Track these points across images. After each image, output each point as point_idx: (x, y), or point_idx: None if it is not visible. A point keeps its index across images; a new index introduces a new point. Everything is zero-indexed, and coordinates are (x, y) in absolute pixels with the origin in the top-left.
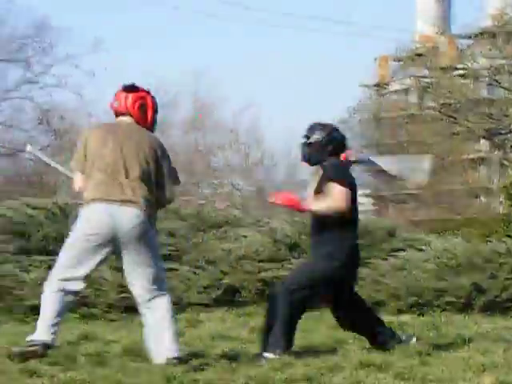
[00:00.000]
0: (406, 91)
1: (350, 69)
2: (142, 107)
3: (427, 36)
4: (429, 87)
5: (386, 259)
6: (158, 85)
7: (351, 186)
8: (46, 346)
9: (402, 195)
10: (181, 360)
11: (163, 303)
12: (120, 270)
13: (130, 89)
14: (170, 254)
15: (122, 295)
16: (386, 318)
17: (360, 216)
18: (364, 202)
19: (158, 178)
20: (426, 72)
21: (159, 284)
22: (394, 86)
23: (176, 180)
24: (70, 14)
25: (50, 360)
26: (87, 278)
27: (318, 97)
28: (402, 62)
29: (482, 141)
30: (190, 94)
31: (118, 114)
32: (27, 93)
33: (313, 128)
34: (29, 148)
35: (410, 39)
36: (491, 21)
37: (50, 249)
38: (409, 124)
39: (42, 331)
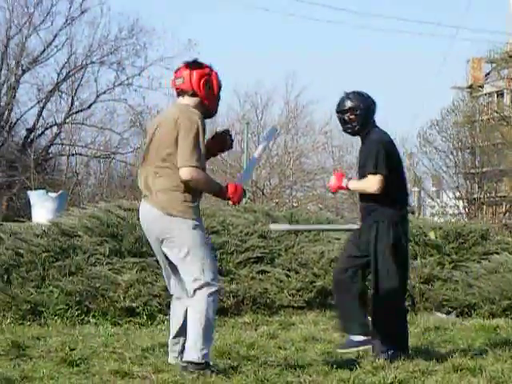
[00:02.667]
0: (500, 93)
1: (441, 70)
2: (207, 84)
3: None
4: None
5: (479, 262)
6: (251, 87)
7: None
8: None
9: (494, 198)
10: (194, 365)
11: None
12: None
13: (195, 65)
14: (262, 257)
15: None
16: (480, 321)
17: (452, 219)
18: (456, 205)
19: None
20: None
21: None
22: (488, 89)
23: (186, 161)
24: (163, 16)
25: (142, 362)
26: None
27: (408, 98)
28: (495, 64)
29: None
30: (282, 97)
31: (180, 94)
32: (120, 95)
33: None
34: (272, 226)
35: (504, 41)
36: None
37: (143, 251)
38: (503, 126)
39: None
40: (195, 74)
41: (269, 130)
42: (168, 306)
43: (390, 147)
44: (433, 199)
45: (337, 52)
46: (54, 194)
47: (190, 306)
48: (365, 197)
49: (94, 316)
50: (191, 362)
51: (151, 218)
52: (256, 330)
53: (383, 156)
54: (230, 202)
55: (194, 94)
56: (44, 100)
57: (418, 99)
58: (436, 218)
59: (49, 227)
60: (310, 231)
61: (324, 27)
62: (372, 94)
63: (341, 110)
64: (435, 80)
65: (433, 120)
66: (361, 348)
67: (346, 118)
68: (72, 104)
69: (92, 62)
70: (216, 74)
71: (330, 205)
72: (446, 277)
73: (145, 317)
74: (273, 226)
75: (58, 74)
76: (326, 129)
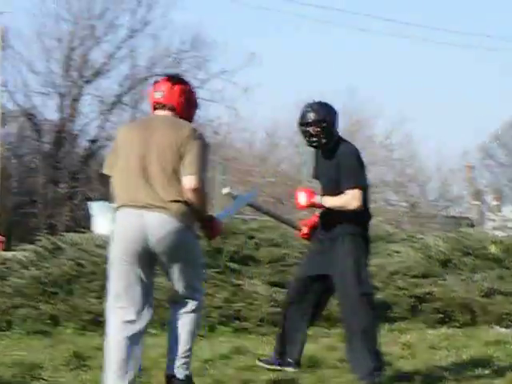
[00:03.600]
0: None
1: (501, 84)
2: (187, 102)
3: None
4: None
5: None
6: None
7: None
8: None
9: None
10: (179, 381)
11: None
12: (272, 284)
13: (177, 80)
14: None
15: (274, 309)
16: None
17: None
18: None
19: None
20: None
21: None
22: None
23: (198, 170)
24: (225, 29)
25: (202, 373)
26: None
27: (469, 112)
28: None
29: None
30: (342, 110)
31: (156, 107)
32: None
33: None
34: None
35: None
36: None
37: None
38: None
39: None
40: (176, 88)
41: (251, 192)
42: (228, 317)
43: (361, 160)
44: (493, 213)
45: (397, 65)
46: (114, 205)
47: (187, 318)
48: (333, 210)
49: (154, 327)
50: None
51: (168, 228)
52: (316, 342)
53: (359, 169)
54: (209, 235)
55: (171, 109)
56: (106, 112)
57: (480, 111)
58: (497, 232)
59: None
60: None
61: (382, 40)
62: (430, 105)
63: (305, 123)
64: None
65: (494, 133)
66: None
67: (312, 131)
68: (134, 116)
69: (154, 75)
70: (195, 94)
71: (390, 218)
72: (506, 290)
73: (206, 328)
74: (225, 190)
75: (121, 86)
76: (387, 142)
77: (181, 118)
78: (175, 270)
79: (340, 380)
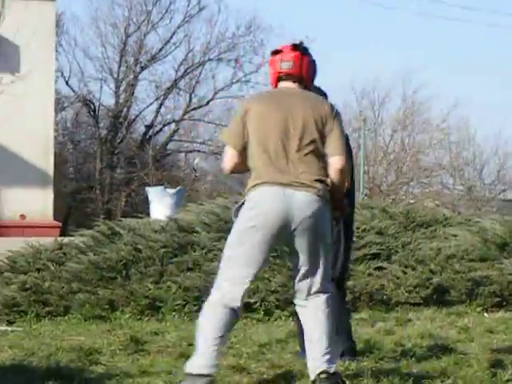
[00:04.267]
0: None
1: None
2: (313, 74)
3: None
4: None
5: None
6: (368, 84)
7: None
8: None
9: None
10: (331, 375)
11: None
12: None
13: (305, 50)
14: (379, 253)
15: None
16: None
17: None
18: None
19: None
20: None
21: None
22: None
23: (343, 151)
24: (282, 13)
25: (259, 358)
26: None
27: None
28: None
29: None
30: (399, 94)
31: (282, 78)
32: (237, 92)
33: None
34: None
35: None
36: None
37: None
38: None
39: None
40: (306, 59)
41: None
42: (285, 302)
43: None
44: None
45: (456, 49)
46: (172, 190)
47: (325, 306)
48: None
49: None
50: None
51: (314, 208)
52: (372, 326)
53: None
54: (337, 216)
55: (299, 81)
56: (162, 97)
57: None
58: None
59: (167, 223)
60: None
61: (442, 24)
62: (488, 89)
63: None
64: None
65: None
66: None
67: None
68: (190, 101)
69: (210, 59)
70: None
71: (446, 201)
72: None
73: (262, 312)
74: None
75: (176, 72)
76: (444, 125)
77: (307, 89)
78: (312, 253)
79: (396, 365)
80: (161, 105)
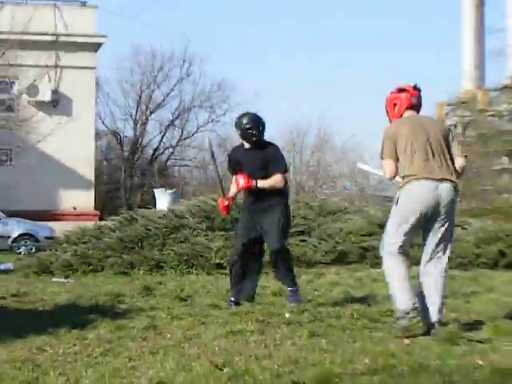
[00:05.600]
0: (455, 125)
1: None
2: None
3: (469, 90)
4: (469, 123)
5: None
6: (295, 121)
7: None
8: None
9: None
10: (441, 323)
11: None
12: None
13: (420, 91)
14: (303, 231)
15: None
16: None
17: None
18: None
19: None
20: (468, 113)
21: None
22: (448, 122)
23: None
24: (241, 72)
25: (227, 298)
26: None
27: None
28: (452, 107)
29: (504, 157)
30: (315, 127)
31: (410, 108)
32: (212, 128)
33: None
34: (360, 165)
35: (458, 91)
36: (510, 79)
37: (227, 227)
38: None
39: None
40: (418, 95)
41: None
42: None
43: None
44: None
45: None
46: (170, 191)
47: (443, 275)
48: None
49: (195, 269)
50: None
51: (452, 196)
52: (299, 277)
53: (283, 158)
54: None
55: (418, 110)
56: (164, 131)
57: None
58: None
59: (167, 212)
60: None
61: None
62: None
63: (255, 126)
64: None
65: None
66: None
67: (255, 131)
68: (182, 133)
69: (194, 107)
70: None
71: (346, 198)
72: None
73: (228, 269)
74: (361, 165)
75: (173, 115)
76: (343, 149)
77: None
78: (446, 227)
79: (315, 303)
80: (163, 136)
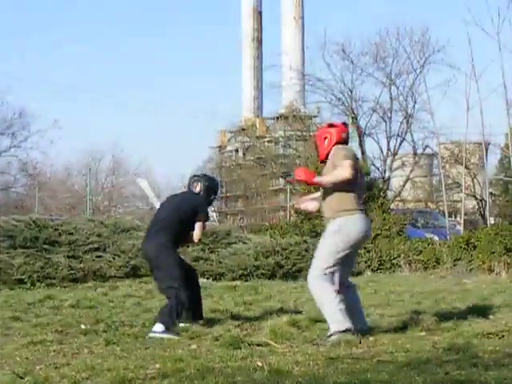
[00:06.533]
0: (237, 150)
1: (196, 137)
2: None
3: (249, 118)
4: (249, 148)
5: (225, 248)
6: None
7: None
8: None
9: (234, 210)
10: (369, 329)
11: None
12: None
13: (346, 126)
14: (98, 247)
15: None
16: (226, 283)
17: (208, 224)
18: (212, 215)
19: None
20: (247, 139)
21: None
22: (229, 147)
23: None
24: (41, 102)
25: (27, 312)
26: None
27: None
28: (233, 133)
29: (280, 179)
30: (110, 155)
31: (340, 142)
32: (14, 153)
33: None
34: (139, 181)
35: (239, 119)
36: (285, 109)
37: (27, 245)
38: (238, 169)
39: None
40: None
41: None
42: (45, 277)
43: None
44: None
45: None
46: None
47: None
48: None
49: None
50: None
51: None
52: (95, 290)
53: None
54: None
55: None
56: None
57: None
58: None
59: None
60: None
61: None
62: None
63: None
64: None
65: (197, 166)
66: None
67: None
68: None
69: None
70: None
71: (138, 216)
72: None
73: (29, 284)
74: (140, 182)
75: None
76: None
77: None
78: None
79: (110, 313)
80: None
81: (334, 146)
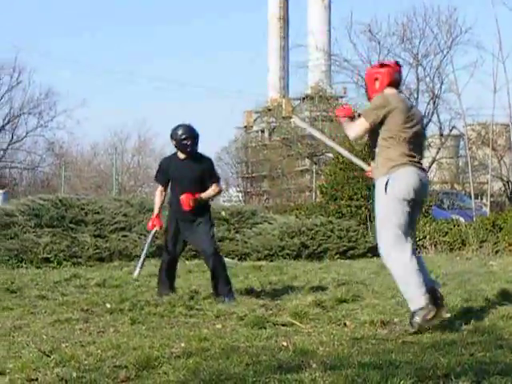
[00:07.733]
0: (263, 131)
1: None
2: None
3: (274, 98)
4: (274, 128)
5: (251, 228)
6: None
7: None
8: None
9: (260, 191)
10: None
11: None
12: None
13: (400, 66)
14: (124, 227)
15: None
16: (252, 263)
17: (235, 204)
18: (238, 195)
19: None
20: (274, 119)
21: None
22: (255, 128)
23: None
24: (69, 81)
25: (54, 290)
26: None
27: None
28: (259, 114)
29: (306, 160)
30: (136, 134)
31: (392, 83)
32: (40, 132)
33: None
34: (295, 119)
35: (265, 100)
36: (311, 89)
37: (54, 224)
38: (264, 150)
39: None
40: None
41: None
42: (71, 256)
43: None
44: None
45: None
46: (0, 191)
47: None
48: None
49: (25, 263)
50: None
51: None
52: (121, 269)
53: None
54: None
55: (398, 88)
56: None
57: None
58: (226, 204)
59: None
60: (324, 143)
61: None
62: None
63: (192, 136)
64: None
65: (223, 147)
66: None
67: (190, 142)
68: (12, 137)
69: (23, 113)
70: None
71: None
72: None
73: (55, 263)
74: (296, 120)
75: (3, 120)
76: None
77: None
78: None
79: (120, 290)
80: None
81: (385, 88)
